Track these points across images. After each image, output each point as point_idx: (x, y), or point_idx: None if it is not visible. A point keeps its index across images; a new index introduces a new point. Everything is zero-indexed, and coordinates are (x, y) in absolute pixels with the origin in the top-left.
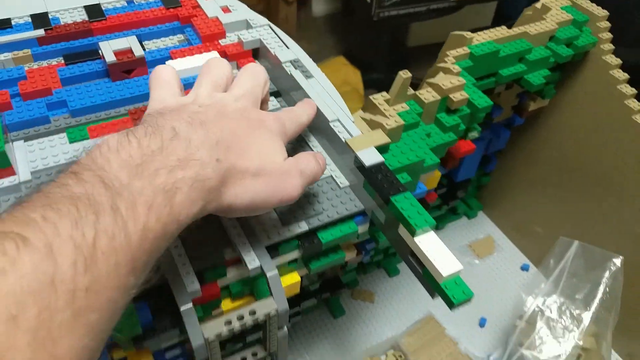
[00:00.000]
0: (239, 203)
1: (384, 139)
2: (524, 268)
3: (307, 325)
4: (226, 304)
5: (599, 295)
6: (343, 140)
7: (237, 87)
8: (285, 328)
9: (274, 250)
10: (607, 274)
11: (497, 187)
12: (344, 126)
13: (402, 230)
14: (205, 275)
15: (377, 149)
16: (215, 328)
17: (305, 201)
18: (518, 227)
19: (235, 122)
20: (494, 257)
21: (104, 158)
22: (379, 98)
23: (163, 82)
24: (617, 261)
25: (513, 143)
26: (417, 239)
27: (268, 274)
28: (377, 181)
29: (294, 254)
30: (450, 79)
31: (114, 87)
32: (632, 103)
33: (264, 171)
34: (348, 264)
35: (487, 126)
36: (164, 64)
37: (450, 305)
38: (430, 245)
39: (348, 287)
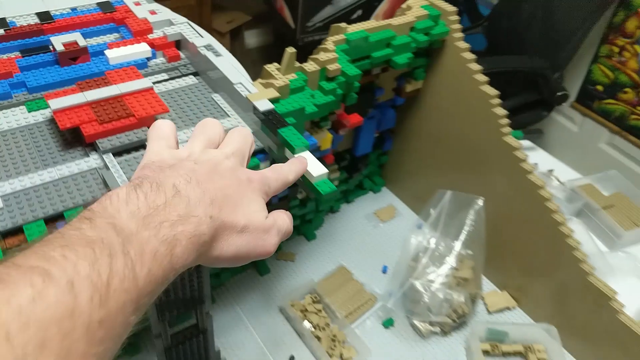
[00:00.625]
0: (224, 256)
1: (274, 93)
2: (419, 227)
3: (237, 285)
4: None
5: (467, 227)
6: (244, 95)
7: (228, 145)
8: None
9: None
10: (472, 211)
11: (395, 165)
12: (245, 87)
13: (287, 153)
14: None
15: (269, 101)
16: None
17: None
18: (413, 195)
19: (226, 181)
20: (395, 220)
21: (114, 208)
22: (271, 67)
23: (161, 135)
24: (479, 201)
25: (401, 124)
26: (296, 156)
27: None
28: (269, 121)
29: None
30: (327, 54)
31: (63, 70)
32: (478, 77)
33: (248, 229)
34: None
35: (374, 105)
36: (103, 53)
37: (320, 195)
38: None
39: None
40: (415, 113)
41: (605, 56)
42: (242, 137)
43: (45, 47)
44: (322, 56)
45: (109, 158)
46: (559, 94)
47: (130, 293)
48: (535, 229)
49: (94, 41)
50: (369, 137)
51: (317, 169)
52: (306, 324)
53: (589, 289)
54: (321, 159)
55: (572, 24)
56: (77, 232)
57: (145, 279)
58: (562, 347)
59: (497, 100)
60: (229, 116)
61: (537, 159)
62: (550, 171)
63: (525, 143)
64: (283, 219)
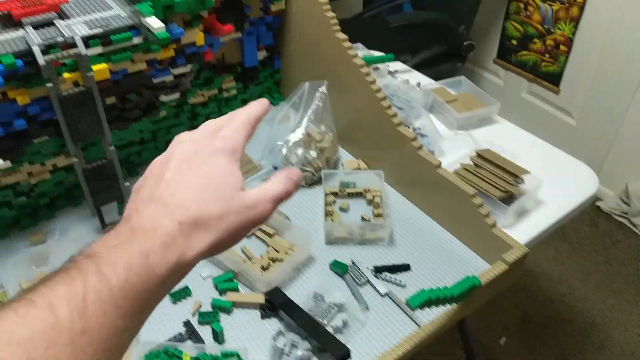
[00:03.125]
0: (212, 245)
1: None
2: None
3: None
4: None
5: (315, 103)
6: None
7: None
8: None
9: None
10: (319, 93)
11: (288, 82)
12: None
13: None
14: None
15: None
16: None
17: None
18: None
19: (196, 174)
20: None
21: (90, 247)
22: None
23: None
24: (323, 85)
25: (285, 46)
26: (147, 20)
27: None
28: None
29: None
30: None
31: None
32: (328, 12)
33: (227, 215)
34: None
35: (246, 22)
36: None
37: (158, 39)
38: None
39: None
40: (292, 36)
41: (514, 12)
42: (240, 123)
43: None
44: None
45: (30, 29)
46: (465, 43)
47: (109, 303)
48: (375, 118)
49: None
50: (252, 50)
51: (156, 23)
52: None
53: (418, 158)
54: (200, 54)
55: None
56: (60, 271)
57: (122, 289)
58: (387, 184)
59: (337, 27)
60: (111, 8)
61: (411, 77)
62: (418, 84)
63: (402, 67)
64: (275, 186)
